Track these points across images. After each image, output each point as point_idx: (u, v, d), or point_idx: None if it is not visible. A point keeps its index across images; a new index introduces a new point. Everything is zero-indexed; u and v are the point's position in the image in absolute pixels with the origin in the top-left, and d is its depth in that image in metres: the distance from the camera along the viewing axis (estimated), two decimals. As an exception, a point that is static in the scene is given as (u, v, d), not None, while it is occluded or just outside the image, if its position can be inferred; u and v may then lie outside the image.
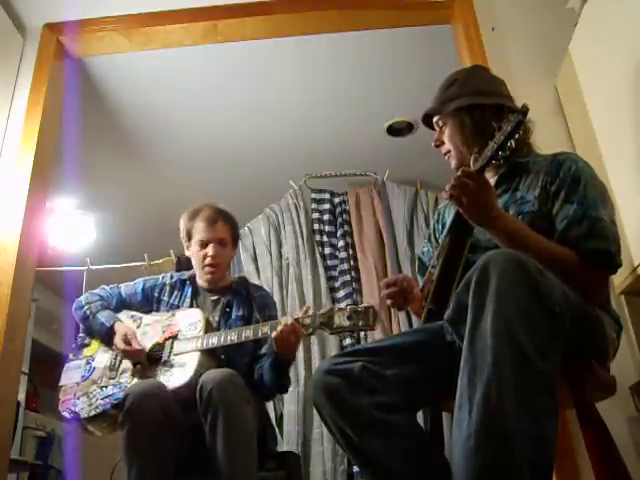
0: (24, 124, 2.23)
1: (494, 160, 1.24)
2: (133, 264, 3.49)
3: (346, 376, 1.25)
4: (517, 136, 1.20)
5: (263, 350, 1.88)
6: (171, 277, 2.06)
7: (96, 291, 2.03)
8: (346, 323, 1.65)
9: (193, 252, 2.01)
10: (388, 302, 1.50)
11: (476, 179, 1.22)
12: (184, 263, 3.58)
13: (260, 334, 1.74)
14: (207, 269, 1.97)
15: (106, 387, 1.79)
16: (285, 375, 1.83)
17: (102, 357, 1.89)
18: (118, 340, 1.84)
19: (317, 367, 1.35)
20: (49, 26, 2.41)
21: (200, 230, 1.98)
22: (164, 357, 1.79)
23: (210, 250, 1.96)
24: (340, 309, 1.69)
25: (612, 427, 1.20)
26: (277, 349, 1.73)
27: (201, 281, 2.04)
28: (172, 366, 1.75)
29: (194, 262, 2.02)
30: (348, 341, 2.91)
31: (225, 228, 2.01)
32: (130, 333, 1.85)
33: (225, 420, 1.54)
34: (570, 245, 1.26)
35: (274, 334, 1.69)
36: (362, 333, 2.82)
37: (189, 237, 2.03)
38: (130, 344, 1.82)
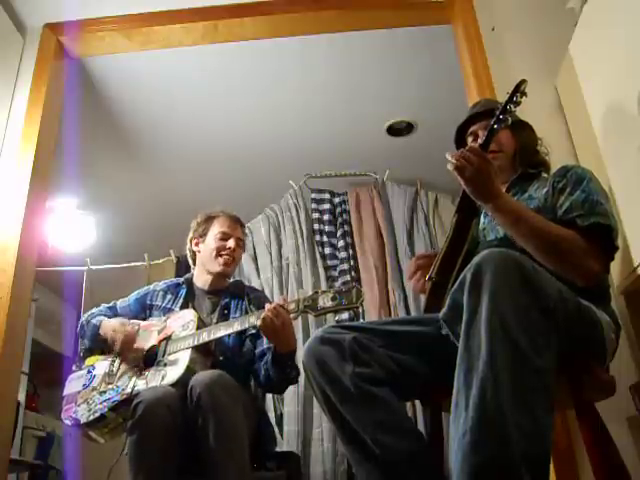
0: (24, 124, 2.23)
1: (497, 125, 1.35)
2: (133, 264, 3.48)
3: (336, 345, 1.30)
4: (516, 99, 1.33)
5: (265, 345, 1.88)
6: (164, 283, 2.09)
7: (94, 308, 2.08)
8: (330, 304, 1.65)
9: (208, 245, 2.04)
10: (415, 277, 1.54)
11: (479, 154, 1.31)
12: (184, 263, 3.59)
13: (248, 324, 1.75)
14: (225, 258, 2.00)
15: (105, 392, 1.80)
16: (288, 366, 1.81)
17: (102, 365, 1.91)
18: (111, 335, 1.87)
19: (313, 334, 1.38)
20: (49, 26, 2.41)
21: (223, 224, 2.06)
22: (158, 357, 1.80)
23: (231, 243, 2.03)
24: (324, 292, 1.69)
25: (612, 427, 1.20)
26: (267, 337, 1.75)
27: (202, 282, 2.05)
28: (165, 365, 1.76)
29: (206, 255, 2.03)
30: (345, 316, 2.90)
31: (243, 233, 2.12)
32: (119, 326, 1.87)
33: (215, 423, 1.53)
34: (571, 224, 1.31)
35: (258, 322, 1.70)
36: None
37: (203, 233, 2.06)
38: (124, 335, 1.85)
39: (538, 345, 0.99)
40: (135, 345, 1.85)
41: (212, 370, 1.68)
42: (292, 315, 1.72)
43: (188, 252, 2.13)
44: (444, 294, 1.26)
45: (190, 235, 2.11)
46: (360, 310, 2.87)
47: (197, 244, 2.08)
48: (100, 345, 1.92)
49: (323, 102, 3.12)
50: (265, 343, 1.88)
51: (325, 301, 1.66)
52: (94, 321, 1.96)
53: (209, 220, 2.09)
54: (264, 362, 1.84)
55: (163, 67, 2.83)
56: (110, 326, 1.90)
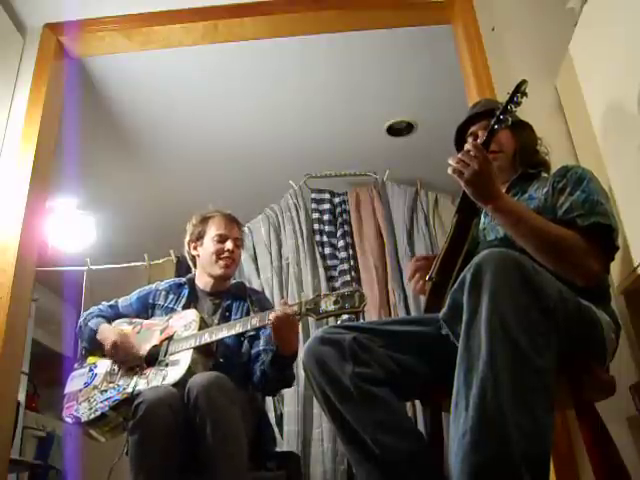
0: (24, 124, 2.23)
1: (497, 125, 1.35)
2: (133, 264, 3.48)
3: (336, 345, 1.30)
4: (516, 99, 1.33)
5: (261, 347, 1.88)
6: (166, 283, 2.08)
7: (95, 307, 2.07)
8: (332, 307, 1.64)
9: (206, 249, 2.03)
10: (414, 279, 1.54)
11: (481, 152, 1.30)
12: (184, 263, 3.58)
13: (250, 326, 1.75)
14: (225, 261, 2.00)
15: (106, 391, 1.80)
16: (287, 369, 1.82)
17: (103, 363, 1.91)
18: (108, 346, 1.86)
19: (313, 334, 1.38)
20: (49, 26, 2.41)
21: (218, 226, 2.04)
22: (160, 357, 1.80)
23: (229, 244, 2.02)
24: (326, 295, 1.68)
25: (612, 427, 1.20)
26: (275, 336, 1.73)
27: (203, 283, 2.05)
28: (167, 365, 1.76)
29: (206, 259, 2.03)
30: (344, 316, 2.89)
31: (240, 231, 2.10)
32: (116, 338, 1.85)
33: (212, 425, 1.53)
34: (571, 224, 1.31)
35: (272, 315, 1.69)
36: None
37: (200, 236, 2.05)
38: (119, 347, 1.84)
39: (538, 345, 0.99)
40: (131, 353, 1.84)
41: (209, 372, 1.68)
42: (295, 317, 1.71)
43: (187, 255, 2.12)
44: (444, 294, 1.26)
45: (187, 238, 2.09)
46: (360, 311, 2.86)
47: (195, 248, 2.07)
48: (97, 347, 1.92)
49: (323, 102, 3.12)
50: (262, 344, 1.88)
51: (327, 304, 1.66)
52: (91, 324, 1.95)
53: (204, 221, 2.07)
54: (260, 363, 1.84)
55: (163, 67, 2.82)
56: (105, 335, 1.89)
